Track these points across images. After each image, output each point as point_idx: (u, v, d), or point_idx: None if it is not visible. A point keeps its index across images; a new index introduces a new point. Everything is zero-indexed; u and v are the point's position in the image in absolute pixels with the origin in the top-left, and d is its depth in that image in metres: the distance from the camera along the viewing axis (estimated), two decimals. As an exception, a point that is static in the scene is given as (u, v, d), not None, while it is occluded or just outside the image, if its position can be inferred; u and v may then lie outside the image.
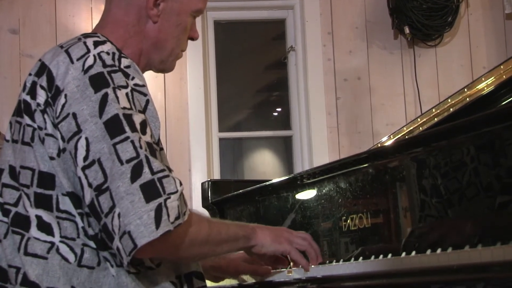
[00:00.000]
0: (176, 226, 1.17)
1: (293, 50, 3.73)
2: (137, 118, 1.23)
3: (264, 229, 1.44)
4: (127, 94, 1.24)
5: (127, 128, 1.20)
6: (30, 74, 1.32)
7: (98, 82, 1.23)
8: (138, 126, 1.22)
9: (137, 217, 1.14)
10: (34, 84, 1.29)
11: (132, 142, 1.19)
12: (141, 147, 1.19)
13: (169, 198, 1.17)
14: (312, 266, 1.46)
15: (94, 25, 3.53)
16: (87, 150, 1.20)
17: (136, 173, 1.17)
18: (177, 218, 1.17)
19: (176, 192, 1.18)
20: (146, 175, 1.17)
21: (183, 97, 3.52)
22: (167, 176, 1.19)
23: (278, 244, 1.43)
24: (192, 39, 1.48)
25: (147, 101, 1.28)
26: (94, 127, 1.20)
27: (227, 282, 1.75)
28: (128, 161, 1.17)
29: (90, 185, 1.19)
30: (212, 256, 1.48)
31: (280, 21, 3.82)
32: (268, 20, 3.86)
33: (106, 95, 1.22)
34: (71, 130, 1.22)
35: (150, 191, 1.16)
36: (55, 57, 1.28)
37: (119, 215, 1.15)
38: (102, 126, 1.20)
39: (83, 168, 1.20)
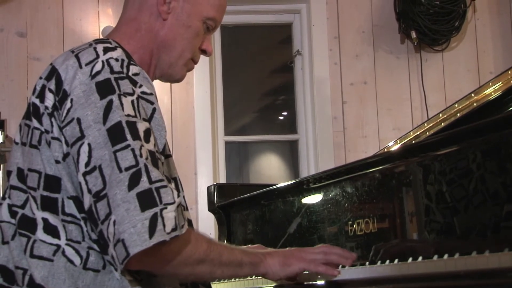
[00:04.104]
0: (173, 237, 1.16)
1: (299, 54, 3.72)
2: (141, 126, 1.22)
3: (274, 255, 1.40)
4: (132, 101, 1.24)
5: (128, 136, 1.20)
6: (40, 78, 1.33)
7: (104, 88, 1.23)
8: (141, 134, 1.21)
9: (131, 225, 1.13)
10: (43, 87, 1.30)
11: (133, 150, 1.18)
12: (141, 156, 1.18)
13: (166, 208, 1.16)
14: (346, 267, 1.42)
15: (101, 29, 3.58)
16: (89, 156, 1.20)
17: (133, 182, 1.16)
18: (173, 229, 1.16)
19: (173, 203, 1.17)
20: (144, 184, 1.16)
21: (189, 101, 3.52)
22: (165, 186, 1.18)
23: (288, 267, 1.38)
24: (205, 52, 1.50)
25: (154, 110, 1.28)
26: (97, 134, 1.20)
27: (234, 284, 1.75)
28: (127, 169, 1.17)
29: (89, 191, 1.19)
30: (212, 278, 1.42)
31: (286, 25, 3.82)
32: (275, 24, 3.86)
33: (111, 102, 1.22)
34: (75, 135, 1.22)
35: (146, 200, 1.15)
36: (65, 61, 1.29)
37: (114, 222, 1.15)
38: (105, 133, 1.20)
39: (84, 174, 1.20)
